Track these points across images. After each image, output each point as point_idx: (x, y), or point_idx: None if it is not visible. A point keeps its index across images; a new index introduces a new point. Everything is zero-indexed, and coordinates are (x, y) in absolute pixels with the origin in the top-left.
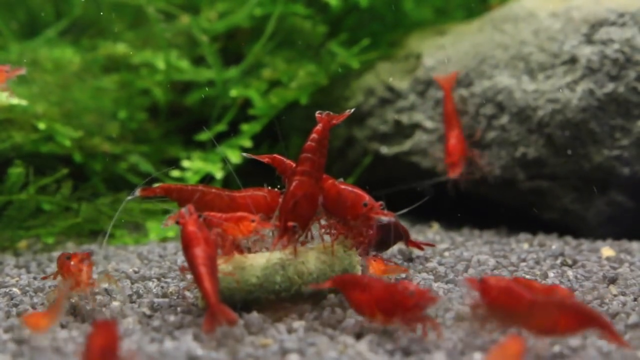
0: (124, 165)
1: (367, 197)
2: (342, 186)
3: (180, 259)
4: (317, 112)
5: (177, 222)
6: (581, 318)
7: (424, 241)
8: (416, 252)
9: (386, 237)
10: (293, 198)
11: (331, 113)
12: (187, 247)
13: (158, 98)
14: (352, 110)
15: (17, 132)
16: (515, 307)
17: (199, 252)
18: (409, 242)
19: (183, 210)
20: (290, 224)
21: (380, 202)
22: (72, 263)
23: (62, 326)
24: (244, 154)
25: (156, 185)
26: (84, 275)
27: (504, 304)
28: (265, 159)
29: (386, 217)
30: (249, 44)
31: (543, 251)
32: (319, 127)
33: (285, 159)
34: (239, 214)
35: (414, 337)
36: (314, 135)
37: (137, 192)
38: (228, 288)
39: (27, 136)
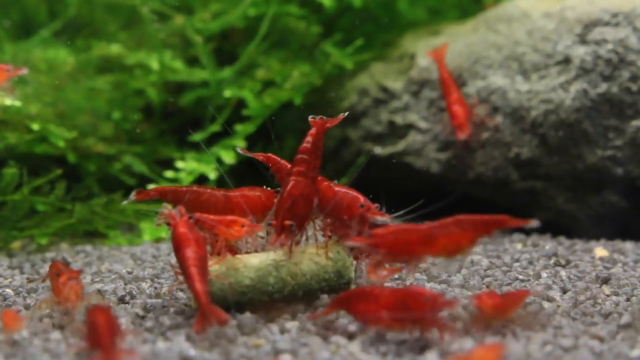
0: (118, 166)
1: (362, 199)
2: (337, 188)
3: (174, 259)
4: (311, 116)
5: (168, 224)
6: (480, 226)
7: None
8: None
9: None
10: (290, 198)
11: (324, 117)
12: (178, 249)
13: (152, 98)
14: (346, 114)
15: (10, 133)
16: (411, 243)
17: (190, 253)
18: None
19: (173, 211)
20: (287, 222)
21: (377, 204)
22: (60, 280)
23: (54, 326)
24: (239, 150)
25: (151, 187)
26: (73, 295)
27: (398, 248)
28: (259, 157)
29: (382, 218)
30: (243, 45)
31: (536, 251)
32: (313, 130)
33: (279, 159)
34: (230, 217)
35: (406, 337)
36: (309, 138)
37: (133, 196)
38: (221, 289)
39: (21, 137)
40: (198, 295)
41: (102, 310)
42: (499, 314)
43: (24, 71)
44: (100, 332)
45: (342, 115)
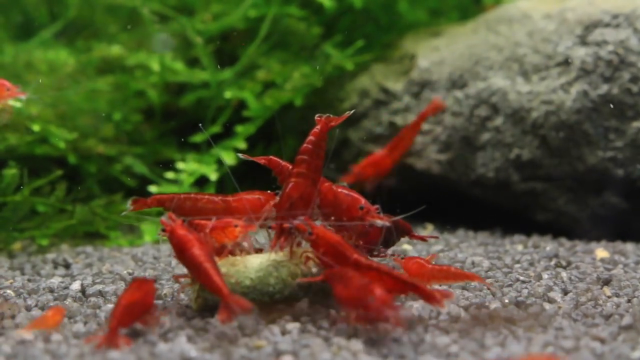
0: (118, 167)
1: (363, 201)
2: (339, 189)
3: (175, 260)
4: (317, 114)
5: (163, 230)
6: (399, 285)
7: (427, 235)
8: (410, 253)
9: (389, 235)
10: (289, 200)
11: (330, 115)
12: (183, 250)
13: (153, 100)
14: (351, 112)
15: (11, 134)
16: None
17: (197, 251)
18: (411, 235)
19: (164, 219)
20: (286, 225)
21: (377, 206)
22: None
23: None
24: (240, 155)
25: (150, 196)
26: None
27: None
28: (261, 160)
29: (382, 221)
30: (244, 46)
31: (537, 252)
32: (316, 129)
33: (281, 161)
34: (225, 220)
35: (409, 340)
36: (311, 138)
37: (129, 206)
38: None
39: (21, 138)
40: (218, 287)
41: (138, 286)
42: (422, 279)
43: (24, 96)
44: (113, 313)
45: (347, 114)
